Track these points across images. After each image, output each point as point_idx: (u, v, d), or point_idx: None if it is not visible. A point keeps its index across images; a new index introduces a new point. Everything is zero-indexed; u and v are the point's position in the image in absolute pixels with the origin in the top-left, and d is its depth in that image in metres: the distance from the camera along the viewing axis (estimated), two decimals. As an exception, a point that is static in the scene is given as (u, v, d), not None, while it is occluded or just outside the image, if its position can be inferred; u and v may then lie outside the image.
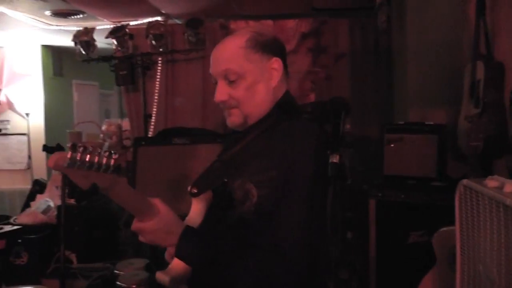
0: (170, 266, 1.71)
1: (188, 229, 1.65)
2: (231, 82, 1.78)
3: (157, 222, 1.61)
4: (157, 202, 1.63)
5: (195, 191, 1.75)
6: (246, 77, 1.77)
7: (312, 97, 6.41)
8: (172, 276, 1.66)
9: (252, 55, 1.78)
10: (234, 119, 1.82)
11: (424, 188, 3.69)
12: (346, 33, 6.40)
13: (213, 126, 6.00)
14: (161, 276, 1.68)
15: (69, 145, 1.34)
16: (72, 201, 3.72)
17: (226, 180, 1.78)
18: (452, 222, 2.53)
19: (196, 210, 1.80)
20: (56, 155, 1.32)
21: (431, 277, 3.13)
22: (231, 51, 1.80)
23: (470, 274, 2.44)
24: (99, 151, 1.37)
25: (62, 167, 1.32)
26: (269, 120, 1.78)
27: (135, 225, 1.63)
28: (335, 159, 1.39)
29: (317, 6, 6.31)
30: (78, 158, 1.31)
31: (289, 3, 6.06)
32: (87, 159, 1.33)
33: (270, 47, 1.82)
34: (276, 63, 1.80)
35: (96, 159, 1.35)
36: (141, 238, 1.65)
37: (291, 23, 6.51)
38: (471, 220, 2.38)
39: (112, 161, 1.38)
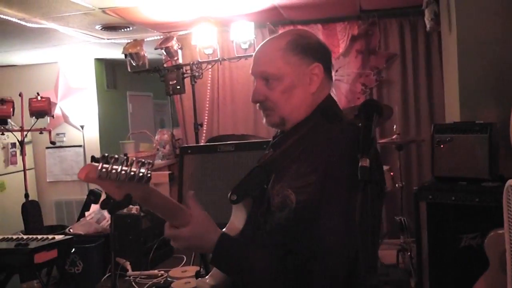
0: (210, 273, 1.71)
1: (224, 236, 1.65)
2: (268, 84, 1.76)
3: (191, 229, 1.60)
4: (194, 207, 1.63)
5: (235, 198, 1.74)
6: (283, 80, 1.74)
7: (363, 100, 6.36)
8: (212, 285, 1.67)
9: (291, 57, 1.74)
10: (270, 119, 1.81)
11: (475, 189, 3.61)
12: (396, 33, 6.36)
13: (266, 132, 6.01)
14: (201, 283, 1.68)
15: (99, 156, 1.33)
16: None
17: (265, 186, 1.77)
18: (505, 224, 2.48)
19: (237, 217, 1.80)
20: (87, 167, 1.30)
21: (483, 281, 3.06)
22: (270, 53, 1.78)
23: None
24: (132, 160, 1.36)
25: (93, 179, 1.30)
26: (308, 125, 1.76)
27: (168, 231, 1.63)
28: (364, 162, 1.36)
29: (365, 8, 6.26)
30: (109, 169, 1.30)
31: (337, 6, 6.01)
32: (118, 170, 1.32)
33: (312, 51, 1.78)
34: (316, 68, 1.76)
35: (128, 169, 1.34)
36: (173, 244, 1.64)
37: (340, 26, 6.49)
38: (520, 221, 2.32)
39: (144, 171, 1.38)
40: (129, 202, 1.38)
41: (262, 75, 1.77)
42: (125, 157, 1.34)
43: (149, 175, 1.39)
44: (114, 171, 1.31)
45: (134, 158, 1.37)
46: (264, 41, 1.86)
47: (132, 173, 1.35)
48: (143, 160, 1.38)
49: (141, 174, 1.37)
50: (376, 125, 1.49)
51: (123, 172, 1.33)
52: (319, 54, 1.80)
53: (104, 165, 1.30)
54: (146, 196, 1.45)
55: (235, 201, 1.75)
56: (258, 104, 1.82)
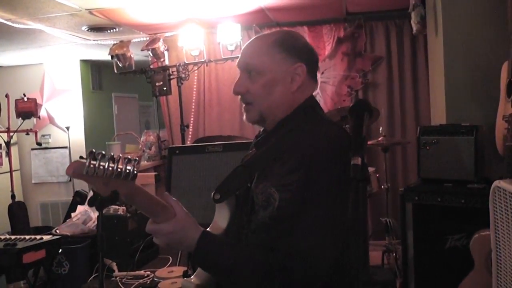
0: (195, 273, 1.71)
1: (205, 234, 1.64)
2: (251, 76, 1.79)
3: (172, 225, 1.59)
4: (174, 205, 1.62)
5: (218, 197, 1.75)
6: (265, 74, 1.76)
7: (348, 102, 6.39)
8: (197, 284, 1.67)
9: (276, 54, 1.77)
10: (250, 116, 1.84)
11: (461, 191, 3.64)
12: (382, 36, 6.39)
13: (252, 134, 6.03)
14: (186, 283, 1.69)
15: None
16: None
17: (249, 185, 1.79)
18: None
19: (221, 216, 1.80)
20: (74, 163, 1.31)
21: (469, 282, 3.09)
22: (257, 47, 1.81)
23: (507, 278, 2.40)
24: (119, 158, 1.37)
25: (80, 175, 1.31)
26: (290, 124, 1.78)
27: (150, 226, 1.61)
28: (356, 160, 1.37)
29: (352, 11, 6.29)
30: (96, 165, 1.31)
31: (323, 9, 6.03)
32: (106, 166, 1.33)
33: (298, 51, 1.80)
34: (299, 68, 1.78)
35: (115, 166, 1.35)
36: (155, 240, 1.65)
37: (326, 29, 6.53)
38: (506, 222, 2.35)
39: (131, 168, 1.39)
40: (116, 198, 1.38)
41: (246, 67, 1.80)
42: (112, 155, 1.35)
43: (135, 172, 1.40)
44: (101, 167, 1.32)
45: (121, 155, 1.38)
46: (255, 37, 1.89)
47: (119, 169, 1.36)
48: (130, 157, 1.39)
49: (127, 171, 1.38)
50: (367, 124, 1.51)
51: (110, 168, 1.34)
52: (304, 56, 1.82)
53: (92, 162, 1.31)
54: (132, 193, 1.45)
55: (219, 200, 1.76)
56: (239, 97, 1.84)
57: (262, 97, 1.78)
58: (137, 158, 1.43)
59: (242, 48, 1.87)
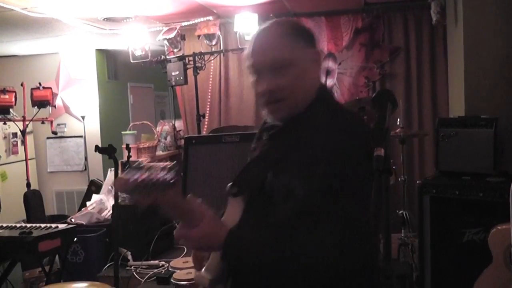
0: (205, 267, 1.67)
1: (232, 233, 1.60)
2: (278, 72, 1.67)
3: (202, 229, 1.56)
4: (200, 208, 1.59)
5: (235, 191, 1.72)
6: (295, 64, 1.67)
7: (366, 93, 6.34)
8: (210, 279, 1.65)
9: (297, 42, 1.70)
10: (280, 114, 1.73)
11: (479, 184, 3.60)
12: (400, 26, 6.33)
13: (267, 124, 6.00)
14: (199, 278, 1.66)
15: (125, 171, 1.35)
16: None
17: (267, 177, 1.71)
18: (509, 219, 2.46)
19: (234, 209, 1.76)
20: (117, 182, 1.35)
21: (487, 276, 3.06)
22: (277, 40, 1.71)
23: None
24: (160, 166, 1.36)
25: (127, 190, 1.34)
26: (308, 113, 1.71)
27: (181, 232, 1.59)
28: (379, 151, 1.34)
29: (370, 1, 6.23)
30: (138, 179, 1.33)
31: (341, -1, 6.00)
32: (145, 178, 1.34)
33: (309, 37, 1.75)
34: (316, 54, 1.74)
35: (154, 176, 1.35)
36: (184, 244, 1.62)
37: (343, 19, 6.48)
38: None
39: (169, 175, 1.37)
40: (157, 210, 1.40)
41: (273, 64, 1.68)
42: (150, 166, 1.36)
43: (175, 178, 1.39)
44: (141, 180, 1.33)
45: (156, 164, 1.37)
46: (262, 31, 1.77)
47: (158, 179, 1.36)
48: (170, 165, 1.37)
49: (166, 179, 1.37)
50: (391, 114, 1.47)
51: (149, 179, 1.35)
52: (315, 42, 1.77)
53: (131, 176, 1.33)
54: (174, 201, 1.46)
55: (237, 194, 1.73)
56: (263, 100, 1.73)
57: (297, 89, 1.69)
58: (172, 166, 1.40)
59: (255, 46, 1.75)
